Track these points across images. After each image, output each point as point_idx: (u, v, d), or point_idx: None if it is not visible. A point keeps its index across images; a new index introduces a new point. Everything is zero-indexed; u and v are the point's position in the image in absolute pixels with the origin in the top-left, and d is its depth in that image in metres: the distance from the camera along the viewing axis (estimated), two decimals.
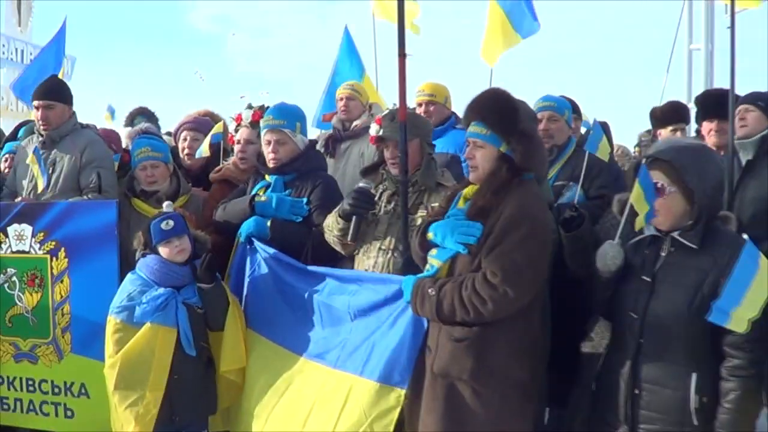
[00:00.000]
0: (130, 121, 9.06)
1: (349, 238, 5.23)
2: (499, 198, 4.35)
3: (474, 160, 4.50)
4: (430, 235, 4.57)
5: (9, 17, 20.78)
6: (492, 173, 4.44)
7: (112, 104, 13.39)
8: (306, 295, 5.25)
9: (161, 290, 5.27)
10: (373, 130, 5.50)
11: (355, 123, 7.84)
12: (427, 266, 4.59)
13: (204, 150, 6.92)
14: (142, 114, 9.11)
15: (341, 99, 8.00)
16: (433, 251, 4.56)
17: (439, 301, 4.36)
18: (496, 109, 4.48)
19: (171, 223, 5.29)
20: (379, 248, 5.23)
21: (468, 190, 4.58)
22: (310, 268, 5.31)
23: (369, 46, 11.55)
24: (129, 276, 5.43)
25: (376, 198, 5.34)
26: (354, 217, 5.19)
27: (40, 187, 6.46)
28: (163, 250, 5.32)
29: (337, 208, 5.34)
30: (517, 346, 4.38)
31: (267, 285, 5.47)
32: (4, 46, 19.57)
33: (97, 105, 19.49)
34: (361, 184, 5.32)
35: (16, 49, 20.10)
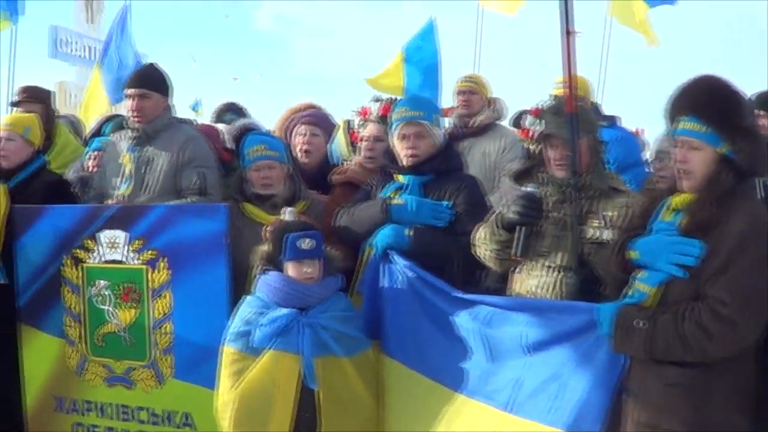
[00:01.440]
0: (218, 117, 8.35)
1: (516, 252, 4.42)
2: (723, 209, 3.56)
3: (688, 164, 3.69)
4: (633, 253, 3.77)
5: (79, 14, 20.50)
6: (712, 179, 3.65)
7: (198, 99, 12.58)
8: (461, 322, 4.48)
9: (283, 311, 4.56)
10: (529, 123, 4.75)
11: (476, 119, 7.14)
12: (629, 291, 3.79)
13: (344, 152, 6.21)
14: (231, 110, 8.41)
15: (461, 92, 7.29)
16: (641, 274, 3.74)
17: (651, 336, 3.57)
18: (716, 101, 3.67)
19: (311, 243, 4.61)
20: (546, 265, 4.44)
21: (677, 199, 3.77)
22: (465, 295, 4.53)
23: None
24: (246, 299, 4.75)
25: None
26: (520, 228, 4.41)
27: (135, 190, 5.80)
28: (291, 269, 4.63)
29: (492, 218, 4.59)
30: (738, 391, 3.61)
31: (410, 307, 4.71)
32: (76, 43, 19.27)
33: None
34: (528, 189, 4.53)
35: (87, 47, 19.75)
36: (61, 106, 16.41)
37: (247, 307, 4.66)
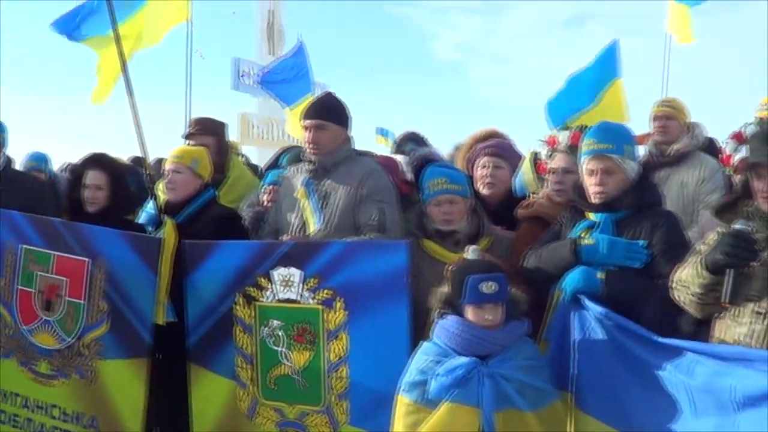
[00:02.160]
0: (398, 147, 8.11)
1: (724, 297, 3.88)
2: None
3: None
4: None
5: (260, 45, 20.76)
6: None
7: (385, 128, 12.50)
8: (665, 374, 4.03)
9: (462, 360, 4.23)
10: (730, 149, 4.25)
11: (673, 146, 6.66)
12: None
13: (530, 184, 5.84)
14: (412, 139, 8.15)
15: (657, 118, 6.84)
16: None
17: None
18: None
19: (494, 286, 4.26)
20: (755, 311, 3.90)
21: None
22: (666, 340, 4.10)
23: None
24: (422, 345, 4.46)
25: None
26: (729, 271, 3.87)
27: (312, 225, 5.56)
28: (471, 313, 4.30)
29: (695, 259, 4.07)
30: None
31: (606, 357, 4.32)
32: (258, 75, 19.41)
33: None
34: (738, 226, 3.98)
35: None
36: (244, 138, 16.63)
37: (422, 355, 4.37)
